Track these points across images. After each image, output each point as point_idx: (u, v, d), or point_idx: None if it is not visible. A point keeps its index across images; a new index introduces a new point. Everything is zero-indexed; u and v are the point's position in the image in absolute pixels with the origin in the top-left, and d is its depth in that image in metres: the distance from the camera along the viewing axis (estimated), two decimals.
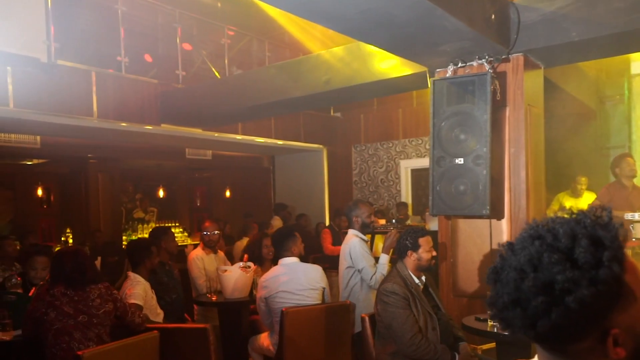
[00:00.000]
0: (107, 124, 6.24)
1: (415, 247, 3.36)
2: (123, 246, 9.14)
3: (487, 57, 3.78)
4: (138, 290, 3.78)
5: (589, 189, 6.13)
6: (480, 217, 3.87)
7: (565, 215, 0.97)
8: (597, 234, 0.91)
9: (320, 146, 9.69)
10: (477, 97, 3.72)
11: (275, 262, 4.70)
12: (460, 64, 3.92)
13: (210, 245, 5.05)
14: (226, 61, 7.88)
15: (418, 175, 9.10)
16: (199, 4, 8.37)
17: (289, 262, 3.96)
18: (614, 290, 0.89)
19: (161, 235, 4.74)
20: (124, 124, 6.40)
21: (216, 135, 7.63)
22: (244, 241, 6.61)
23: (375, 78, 4.98)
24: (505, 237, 3.90)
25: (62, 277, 3.17)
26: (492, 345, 3.57)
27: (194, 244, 8.39)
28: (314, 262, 4.59)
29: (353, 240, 4.29)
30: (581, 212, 0.96)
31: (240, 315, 4.45)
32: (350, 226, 4.48)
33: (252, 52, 8.99)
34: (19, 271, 4.90)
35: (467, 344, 3.41)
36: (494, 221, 3.98)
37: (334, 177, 9.82)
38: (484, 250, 4.02)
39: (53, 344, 3.07)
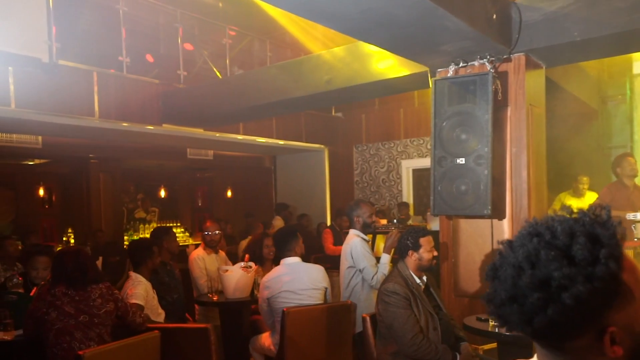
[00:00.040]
0: (108, 124, 6.25)
1: (416, 247, 3.35)
2: (124, 246, 9.14)
3: (488, 56, 3.77)
4: (139, 290, 3.78)
5: (591, 188, 6.12)
6: (482, 217, 3.87)
7: (565, 214, 0.97)
8: (595, 231, 0.92)
9: (322, 146, 9.68)
10: (479, 97, 3.71)
11: (276, 262, 4.71)
12: (461, 64, 3.91)
13: (211, 245, 5.05)
14: (227, 61, 7.88)
15: (419, 175, 9.09)
16: (200, 4, 8.37)
17: (291, 262, 3.96)
18: (610, 288, 0.89)
19: (163, 235, 4.75)
20: (125, 124, 6.40)
21: (217, 135, 7.63)
22: (249, 240, 6.60)
23: (376, 78, 4.97)
24: (506, 237, 3.83)
25: (64, 277, 3.18)
26: (494, 345, 3.56)
27: (195, 244, 8.38)
28: (315, 262, 4.59)
29: (354, 240, 4.29)
30: (580, 211, 0.97)
31: (241, 315, 4.45)
32: (351, 226, 4.47)
33: (254, 52, 8.99)
34: (21, 271, 4.91)
35: (468, 344, 3.41)
36: (495, 221, 3.97)
37: (335, 177, 9.82)
38: (486, 250, 4.02)
39: (54, 343, 3.07)
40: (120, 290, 3.76)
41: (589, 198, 5.99)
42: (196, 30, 8.01)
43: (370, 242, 4.58)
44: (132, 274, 3.93)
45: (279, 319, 3.70)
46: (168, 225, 10.74)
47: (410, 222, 7.60)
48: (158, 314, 3.98)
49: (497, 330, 3.14)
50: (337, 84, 5.21)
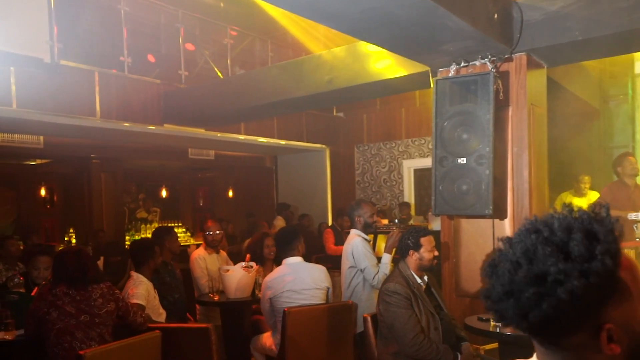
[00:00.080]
0: (110, 124, 6.25)
1: (417, 247, 3.35)
2: (126, 246, 9.14)
3: (489, 56, 3.76)
4: (140, 290, 3.78)
5: (593, 188, 6.11)
6: (483, 216, 3.86)
7: (565, 212, 0.98)
8: (593, 228, 0.92)
9: (323, 146, 9.68)
10: (480, 96, 3.70)
11: (277, 262, 4.70)
12: (462, 64, 3.91)
13: (213, 245, 5.05)
14: (229, 61, 7.89)
15: (421, 175, 9.08)
16: (202, 4, 8.38)
17: (293, 262, 3.96)
18: (606, 284, 0.90)
19: (164, 235, 4.75)
20: (126, 124, 6.41)
21: (219, 135, 7.63)
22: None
23: (377, 78, 4.97)
24: None
25: (64, 276, 3.18)
26: (495, 345, 3.56)
27: (196, 244, 8.39)
28: (316, 262, 4.58)
29: (355, 240, 4.28)
30: (580, 209, 0.97)
31: (242, 315, 4.45)
32: (352, 226, 4.47)
33: (255, 52, 8.99)
34: (22, 271, 4.91)
35: (469, 344, 3.40)
36: (496, 221, 3.96)
37: (336, 177, 9.82)
38: (487, 250, 4.01)
39: (55, 343, 3.08)
40: (122, 290, 3.76)
41: (591, 197, 5.99)
42: (197, 30, 8.01)
43: (371, 242, 4.57)
44: (134, 274, 3.93)
45: (280, 318, 3.70)
46: (169, 225, 10.75)
47: (411, 222, 7.60)
48: (159, 314, 3.98)
49: (498, 330, 3.14)
50: (338, 84, 5.21)
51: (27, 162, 9.69)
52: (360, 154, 9.72)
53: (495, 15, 3.55)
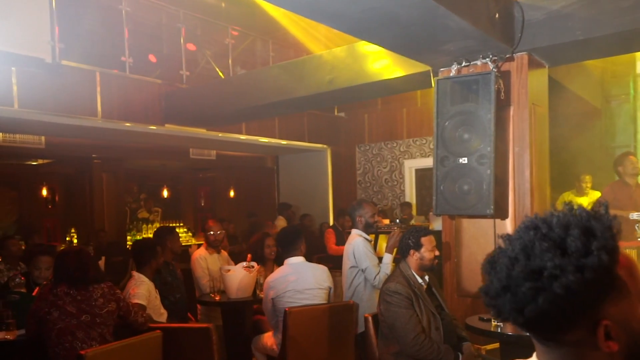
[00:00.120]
0: (111, 124, 6.26)
1: (418, 247, 3.35)
2: (127, 246, 9.15)
3: (491, 56, 3.76)
4: (142, 290, 3.78)
5: (594, 187, 6.11)
6: (484, 216, 3.85)
7: (565, 210, 0.99)
8: (590, 224, 0.93)
9: (324, 146, 9.68)
10: (481, 96, 3.70)
11: (278, 262, 4.70)
12: (464, 63, 3.90)
13: (215, 245, 5.05)
14: (230, 61, 7.89)
15: (422, 175, 9.07)
16: (203, 5, 8.38)
17: (296, 262, 3.95)
18: (602, 280, 0.90)
19: (167, 235, 4.76)
20: (128, 124, 6.41)
21: (220, 135, 7.63)
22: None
23: (378, 78, 4.96)
24: None
25: (65, 276, 3.18)
26: (496, 345, 3.55)
27: (197, 244, 8.40)
28: (318, 262, 4.58)
29: (357, 240, 4.28)
30: (580, 206, 0.98)
31: (243, 315, 4.45)
32: (354, 226, 4.47)
33: (256, 52, 8.99)
34: (24, 271, 4.92)
35: (470, 344, 3.40)
36: (498, 221, 3.96)
37: (338, 177, 9.81)
38: (488, 250, 4.00)
39: (56, 343, 3.08)
40: (123, 290, 3.76)
41: (592, 197, 5.98)
42: (199, 31, 8.02)
43: (372, 242, 4.57)
44: (135, 274, 3.93)
45: (282, 318, 3.70)
46: (171, 225, 10.76)
47: (412, 222, 7.60)
48: (160, 314, 3.98)
49: (499, 330, 3.13)
50: (339, 84, 5.20)
51: (29, 162, 9.71)
52: (361, 154, 9.72)
53: (497, 15, 3.54)
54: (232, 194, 12.89)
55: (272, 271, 4.58)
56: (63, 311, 3.10)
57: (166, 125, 6.77)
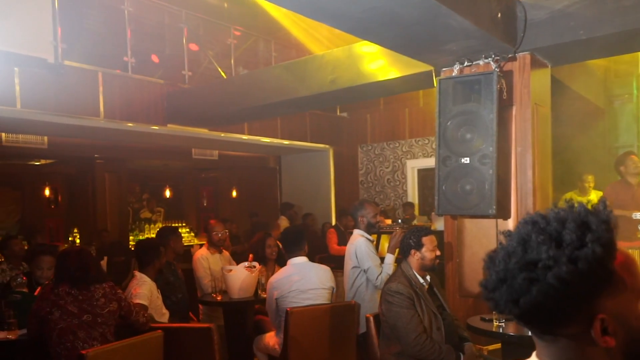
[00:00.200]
0: (113, 124, 6.26)
1: (419, 246, 3.34)
2: (130, 246, 9.16)
3: (493, 55, 3.75)
4: (144, 290, 3.78)
5: (597, 187, 6.09)
6: (487, 216, 3.84)
7: (565, 206, 1.00)
8: (587, 219, 0.94)
9: (327, 146, 9.68)
10: (484, 96, 3.69)
11: (279, 262, 4.70)
12: (466, 63, 3.90)
13: (218, 245, 5.06)
14: (232, 61, 7.89)
15: (425, 175, 9.06)
16: (206, 5, 8.38)
17: (299, 262, 3.95)
18: (596, 273, 0.91)
19: (170, 235, 4.76)
20: (130, 124, 6.42)
21: (222, 135, 7.63)
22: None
23: (380, 78, 4.96)
24: None
25: (66, 276, 3.18)
26: (498, 346, 3.54)
27: (199, 244, 8.40)
28: (319, 262, 4.58)
29: (359, 240, 4.27)
30: (580, 203, 0.99)
31: (245, 315, 4.45)
32: (356, 226, 4.46)
33: (258, 52, 8.99)
34: (26, 270, 4.92)
35: (472, 344, 3.39)
36: (500, 221, 3.94)
37: (340, 177, 9.81)
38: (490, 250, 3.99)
39: (57, 343, 3.08)
40: (125, 290, 3.76)
41: (595, 197, 5.96)
42: (201, 31, 8.02)
43: (374, 242, 4.56)
44: (137, 274, 3.93)
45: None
46: (174, 225, 10.76)
47: (415, 222, 7.59)
48: (162, 314, 3.97)
49: (501, 330, 3.12)
50: (341, 84, 5.20)
51: (32, 162, 9.72)
52: (363, 154, 9.71)
53: (499, 14, 3.53)
54: (234, 194, 12.89)
55: (273, 271, 4.58)
56: (64, 311, 3.10)
57: (168, 125, 6.78)
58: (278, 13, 8.38)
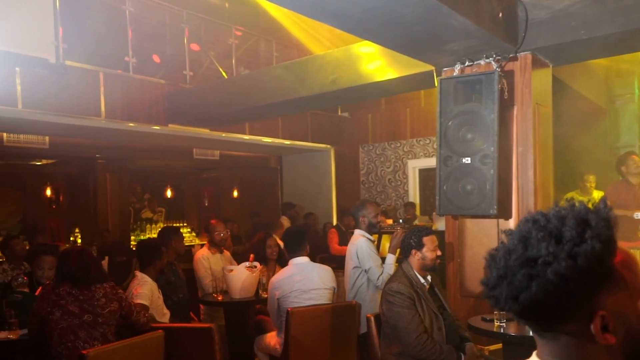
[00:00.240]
0: (114, 125, 6.26)
1: (419, 246, 3.34)
2: (131, 246, 9.17)
3: (494, 55, 3.75)
4: (145, 290, 3.78)
5: (599, 187, 6.08)
6: (488, 216, 3.84)
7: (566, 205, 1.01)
8: (587, 216, 0.95)
9: (328, 146, 9.67)
10: (485, 96, 3.68)
11: (280, 262, 4.70)
12: (467, 63, 3.89)
13: (220, 245, 5.06)
14: (233, 61, 7.89)
15: (426, 175, 9.06)
16: (207, 5, 8.38)
17: (301, 262, 3.95)
18: (596, 269, 0.91)
19: (171, 235, 4.76)
20: (131, 125, 6.42)
21: (224, 135, 7.63)
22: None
23: (381, 78, 4.95)
24: None
25: (67, 276, 3.18)
26: (499, 346, 3.54)
27: (201, 244, 8.40)
28: (321, 262, 4.58)
29: (360, 240, 4.27)
30: (581, 202, 1.00)
31: (246, 315, 4.45)
32: (357, 226, 4.46)
33: (260, 52, 8.99)
34: (27, 270, 4.93)
35: (473, 344, 3.38)
36: (501, 221, 3.94)
37: (341, 177, 9.80)
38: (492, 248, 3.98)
39: (58, 343, 3.08)
40: (126, 290, 3.76)
41: (596, 197, 5.95)
42: (202, 31, 8.02)
43: (375, 242, 4.56)
44: (138, 274, 3.93)
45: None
46: (175, 225, 10.77)
47: (416, 222, 7.58)
48: (163, 314, 3.97)
49: (502, 330, 3.12)
50: (342, 84, 5.20)
51: (33, 163, 9.73)
52: (365, 154, 9.71)
53: (500, 14, 3.53)
54: (235, 194, 12.90)
55: (274, 271, 4.58)
56: (65, 311, 3.10)
57: (170, 125, 6.78)
58: (279, 13, 8.38)
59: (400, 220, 6.31)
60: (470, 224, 4.11)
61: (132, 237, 10.60)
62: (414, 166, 9.16)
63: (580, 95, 5.84)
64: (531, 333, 1.04)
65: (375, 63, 4.95)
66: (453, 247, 4.22)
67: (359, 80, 5.09)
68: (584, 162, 6.03)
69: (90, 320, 3.13)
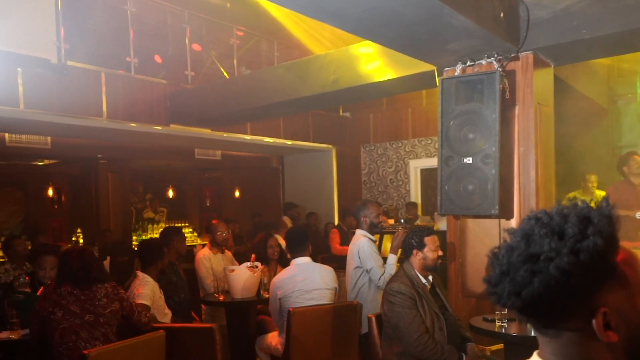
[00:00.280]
0: (116, 125, 6.27)
1: (421, 246, 3.33)
2: (133, 246, 9.17)
3: (496, 55, 3.74)
4: (146, 290, 3.78)
5: (600, 187, 6.07)
6: (489, 216, 3.84)
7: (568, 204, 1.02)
8: (589, 214, 0.96)
9: (329, 146, 9.67)
10: (486, 95, 3.68)
11: (281, 262, 4.70)
12: (469, 63, 3.89)
13: (222, 244, 5.06)
14: (235, 61, 7.89)
15: (427, 175, 9.05)
16: (208, 5, 8.39)
17: (303, 263, 3.95)
18: (598, 265, 0.92)
19: (173, 235, 4.76)
20: (133, 125, 6.42)
21: (225, 135, 7.64)
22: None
23: (383, 78, 4.95)
24: None
25: (69, 276, 3.19)
26: (500, 346, 3.54)
27: (202, 244, 8.41)
28: (322, 262, 4.58)
29: (361, 240, 4.27)
30: (583, 201, 1.00)
31: (247, 315, 4.45)
32: (358, 226, 4.46)
33: (261, 52, 8.99)
34: (29, 270, 4.93)
35: (474, 344, 3.38)
36: (503, 221, 3.94)
37: (343, 177, 9.80)
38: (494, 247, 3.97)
39: (60, 343, 3.08)
40: (128, 290, 3.76)
41: (598, 197, 5.94)
42: (204, 31, 8.02)
43: (377, 242, 4.56)
44: (140, 274, 3.93)
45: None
46: (177, 225, 10.78)
47: (418, 222, 7.57)
48: (164, 314, 3.97)
49: (503, 331, 3.12)
50: (343, 84, 5.19)
51: (35, 163, 9.75)
52: (366, 154, 9.70)
53: (502, 14, 3.52)
54: (237, 194, 12.91)
55: (275, 271, 4.58)
56: (67, 311, 3.10)
57: (171, 125, 6.78)
58: (280, 13, 8.39)
59: (402, 220, 6.30)
60: (472, 224, 4.11)
61: (134, 237, 10.61)
62: (416, 166, 9.15)
63: (582, 95, 5.83)
64: (533, 332, 1.05)
65: (377, 63, 4.95)
66: (454, 247, 4.22)
67: (360, 80, 5.09)
68: (586, 162, 6.03)
69: (92, 320, 3.14)
